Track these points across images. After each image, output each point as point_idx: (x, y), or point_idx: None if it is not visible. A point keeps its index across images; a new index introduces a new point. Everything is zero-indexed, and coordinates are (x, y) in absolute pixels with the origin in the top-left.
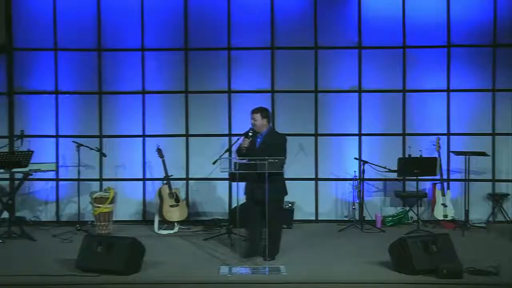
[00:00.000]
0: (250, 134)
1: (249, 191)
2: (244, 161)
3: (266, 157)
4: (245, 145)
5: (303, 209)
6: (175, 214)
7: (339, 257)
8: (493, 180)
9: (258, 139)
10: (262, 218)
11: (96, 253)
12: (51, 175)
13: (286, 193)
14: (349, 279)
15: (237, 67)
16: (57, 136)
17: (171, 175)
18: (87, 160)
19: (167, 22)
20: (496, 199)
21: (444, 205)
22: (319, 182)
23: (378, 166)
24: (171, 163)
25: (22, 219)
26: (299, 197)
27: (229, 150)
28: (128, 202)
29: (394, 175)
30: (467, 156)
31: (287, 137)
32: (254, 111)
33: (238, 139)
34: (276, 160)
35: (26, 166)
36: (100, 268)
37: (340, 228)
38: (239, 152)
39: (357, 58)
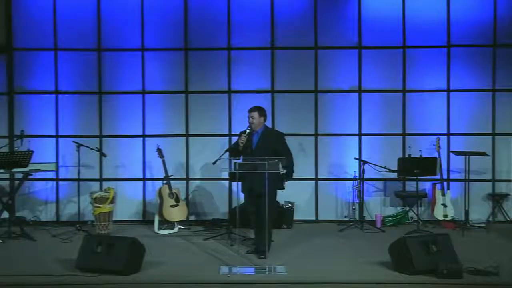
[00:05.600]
0: (248, 130)
1: (247, 187)
2: (239, 160)
3: (273, 158)
4: (242, 141)
5: (303, 209)
6: (175, 214)
7: (339, 257)
8: (493, 180)
9: (255, 138)
10: (257, 216)
11: (96, 253)
12: (51, 175)
13: (281, 187)
14: (349, 279)
15: (237, 67)
16: (57, 136)
17: (171, 175)
18: (87, 160)
19: (167, 22)
20: (496, 199)
21: (444, 205)
22: (319, 182)
23: (378, 166)
24: (171, 163)
25: (22, 219)
26: (299, 197)
27: (229, 150)
28: (128, 202)
29: (394, 175)
30: (467, 156)
31: (286, 137)
32: (252, 110)
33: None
34: (276, 160)
35: (26, 166)
36: (100, 268)
37: (340, 228)
38: (233, 151)
39: (357, 58)
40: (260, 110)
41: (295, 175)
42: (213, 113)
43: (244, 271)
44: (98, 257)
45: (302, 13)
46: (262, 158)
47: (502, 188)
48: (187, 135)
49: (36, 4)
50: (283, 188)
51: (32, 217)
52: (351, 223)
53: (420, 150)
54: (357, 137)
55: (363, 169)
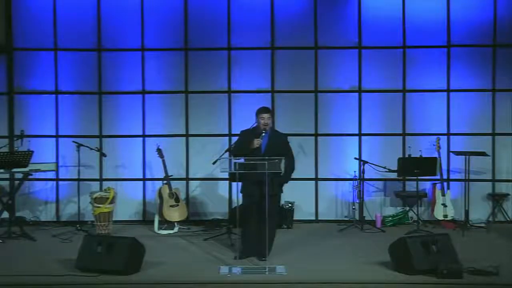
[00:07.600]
0: (263, 134)
1: (251, 189)
2: (241, 160)
3: (277, 158)
4: (257, 145)
5: (303, 209)
6: (175, 214)
7: (339, 257)
8: (493, 180)
9: (264, 140)
10: (261, 217)
11: (96, 253)
12: (51, 175)
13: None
14: (349, 279)
15: (237, 67)
16: (57, 136)
17: (171, 175)
18: (87, 160)
19: (167, 22)
20: (496, 199)
21: (444, 205)
22: (319, 182)
23: (378, 166)
24: (171, 163)
25: (22, 219)
26: (299, 197)
27: (229, 150)
28: (128, 202)
29: (394, 175)
30: (467, 156)
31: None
32: (266, 111)
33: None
34: (278, 160)
35: (26, 166)
36: (100, 268)
37: (340, 228)
38: (240, 151)
39: (357, 58)
40: (271, 111)
41: (295, 175)
42: (213, 113)
43: (244, 271)
44: (98, 257)
45: (302, 13)
46: (270, 158)
47: (502, 188)
48: (187, 135)
49: (36, 4)
50: (282, 191)
51: (32, 217)
52: (351, 223)
53: (420, 150)
54: (357, 137)
55: (363, 169)
